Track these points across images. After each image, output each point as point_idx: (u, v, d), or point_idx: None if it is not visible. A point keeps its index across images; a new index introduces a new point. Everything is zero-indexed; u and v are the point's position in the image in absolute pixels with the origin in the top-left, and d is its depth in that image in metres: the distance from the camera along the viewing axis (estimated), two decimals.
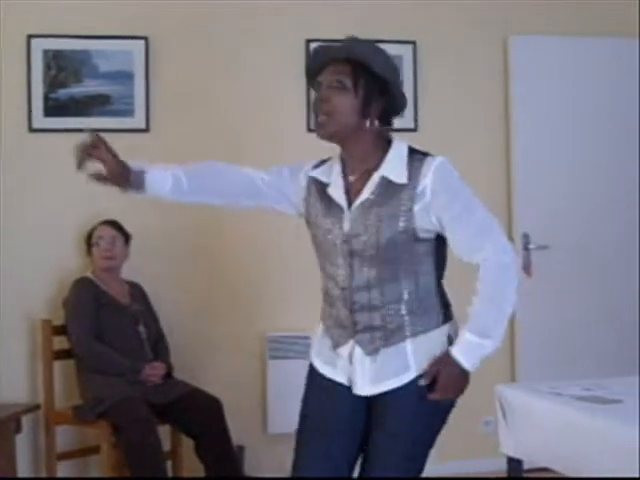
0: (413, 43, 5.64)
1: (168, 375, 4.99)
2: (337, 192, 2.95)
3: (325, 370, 3.03)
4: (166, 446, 4.93)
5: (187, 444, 4.96)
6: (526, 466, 3.46)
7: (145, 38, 5.33)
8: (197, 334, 5.38)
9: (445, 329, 2.92)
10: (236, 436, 4.92)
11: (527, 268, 5.69)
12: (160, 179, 3.00)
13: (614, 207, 5.85)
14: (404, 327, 2.88)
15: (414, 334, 2.88)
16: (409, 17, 5.67)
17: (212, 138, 5.42)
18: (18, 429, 4.95)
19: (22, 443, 5.06)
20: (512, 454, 3.41)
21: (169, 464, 4.98)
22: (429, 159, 2.87)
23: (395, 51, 5.58)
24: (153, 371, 4.90)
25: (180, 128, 5.41)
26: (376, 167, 2.90)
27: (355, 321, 2.92)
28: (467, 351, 2.83)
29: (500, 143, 5.80)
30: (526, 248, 5.72)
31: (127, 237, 5.17)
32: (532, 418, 3.23)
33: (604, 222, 5.83)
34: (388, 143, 2.97)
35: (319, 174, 3.03)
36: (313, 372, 3.08)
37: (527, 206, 5.75)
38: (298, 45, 5.43)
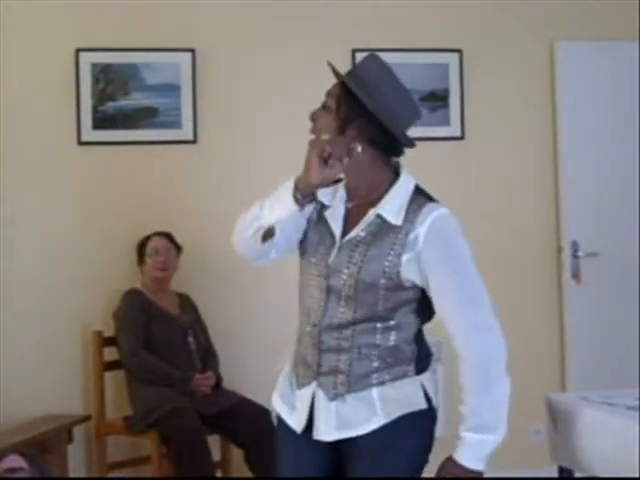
0: (459, 51, 5.63)
1: (217, 385, 5.02)
2: (335, 219, 2.77)
3: (282, 411, 2.83)
4: (216, 456, 4.95)
5: (237, 454, 4.97)
6: (577, 475, 3.44)
7: (192, 50, 5.36)
8: (246, 344, 5.39)
9: (418, 379, 2.70)
10: None
11: (576, 275, 5.66)
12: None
13: None
14: (371, 374, 2.67)
15: (380, 383, 2.67)
16: (455, 26, 5.66)
17: (260, 149, 5.44)
18: (70, 439, 5.00)
19: (74, 453, 5.09)
20: (563, 464, 3.39)
21: (219, 474, 5.01)
22: (430, 206, 2.66)
23: (441, 59, 5.62)
24: (203, 381, 4.92)
25: (228, 139, 5.44)
26: (376, 201, 2.71)
27: (320, 362, 2.72)
28: (470, 452, 2.58)
29: (547, 150, 5.77)
30: (575, 256, 5.67)
31: (178, 249, 5.21)
32: (583, 428, 3.21)
33: None
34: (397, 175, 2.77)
35: (323, 195, 2.82)
36: (279, 418, 2.86)
37: (576, 213, 5.71)
38: (344, 55, 5.41)
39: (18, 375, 5.13)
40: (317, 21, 5.53)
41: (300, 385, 2.78)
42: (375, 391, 2.67)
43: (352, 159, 2.69)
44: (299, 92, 5.37)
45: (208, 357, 5.15)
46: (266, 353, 5.42)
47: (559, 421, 3.35)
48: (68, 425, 4.99)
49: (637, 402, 3.22)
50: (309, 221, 2.82)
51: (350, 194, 2.79)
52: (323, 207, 2.81)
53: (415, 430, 2.69)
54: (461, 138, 5.62)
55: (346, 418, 2.68)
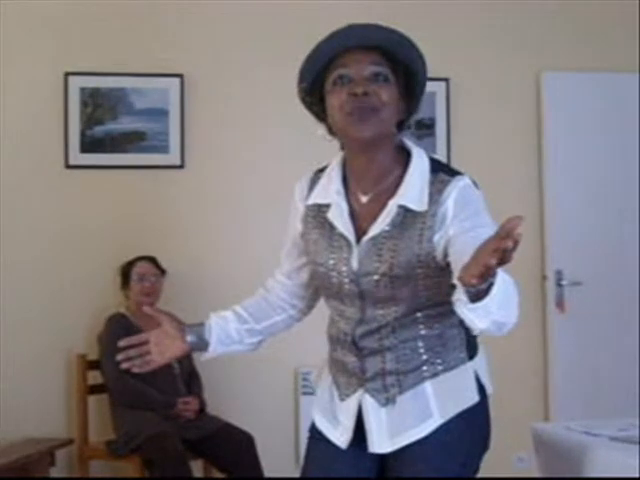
0: (446, 80, 5.66)
1: (201, 410, 5.01)
2: (341, 219, 2.46)
3: (324, 427, 2.59)
4: None
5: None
6: None
7: (180, 76, 5.39)
8: (230, 370, 5.38)
9: (470, 366, 2.49)
10: (268, 471, 4.91)
11: (560, 304, 5.68)
12: (223, 324, 2.91)
13: None
14: (421, 367, 2.44)
15: (433, 374, 2.45)
16: (443, 54, 5.68)
17: (247, 174, 5.46)
18: (52, 463, 4.97)
19: (56, 477, 5.07)
20: None
21: None
22: (454, 181, 2.39)
23: (428, 88, 5.59)
24: (186, 406, 4.92)
25: (215, 164, 5.46)
26: (392, 190, 2.41)
27: (364, 368, 2.48)
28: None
29: (533, 179, 5.80)
30: (559, 284, 5.70)
31: (162, 272, 5.22)
32: (567, 457, 3.21)
33: (638, 258, 5.79)
34: (407, 155, 2.48)
35: (317, 197, 2.53)
36: (314, 426, 2.64)
37: (560, 242, 5.74)
38: None
39: (1, 398, 5.10)
40: (304, 47, 5.53)
41: (344, 396, 2.54)
42: (429, 384, 2.45)
43: (388, 139, 2.45)
44: (286, 117, 5.39)
45: (192, 382, 5.14)
46: (250, 378, 5.44)
47: (543, 451, 3.35)
48: (51, 449, 4.97)
49: (621, 433, 3.22)
50: (305, 232, 2.57)
51: (358, 184, 2.49)
52: (321, 208, 2.52)
53: (469, 433, 2.48)
54: None
55: (399, 423, 2.45)
